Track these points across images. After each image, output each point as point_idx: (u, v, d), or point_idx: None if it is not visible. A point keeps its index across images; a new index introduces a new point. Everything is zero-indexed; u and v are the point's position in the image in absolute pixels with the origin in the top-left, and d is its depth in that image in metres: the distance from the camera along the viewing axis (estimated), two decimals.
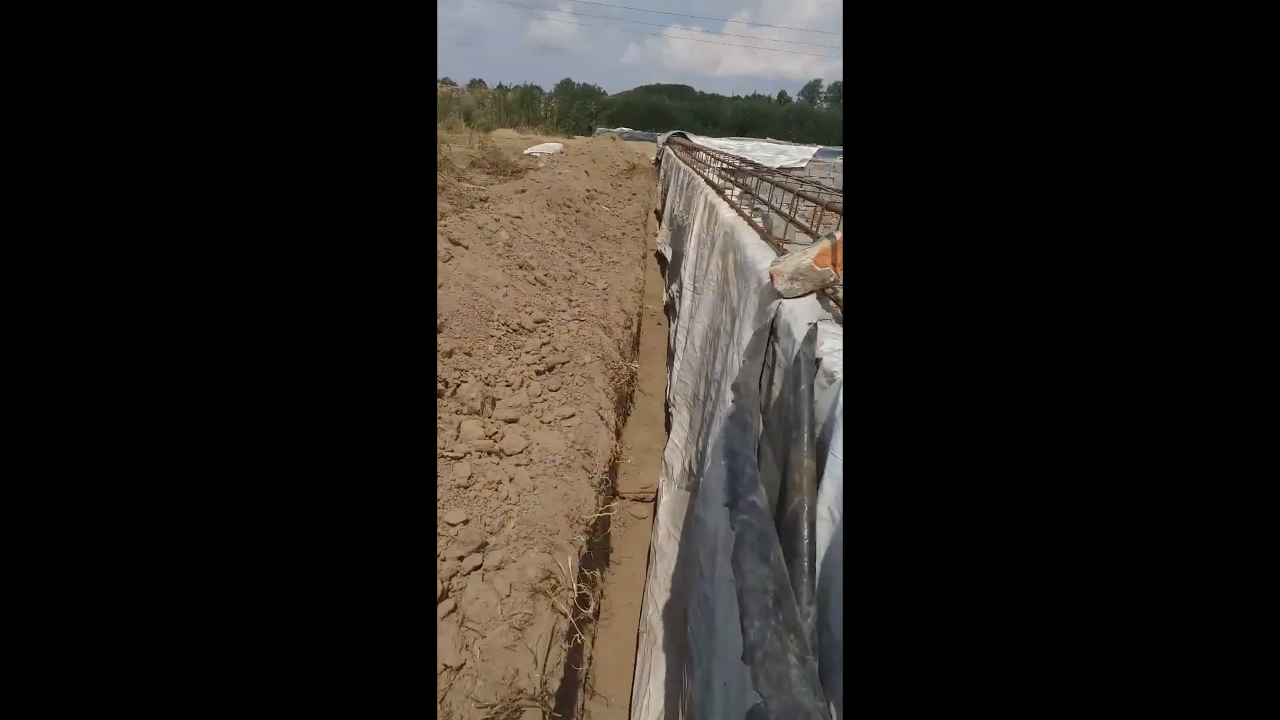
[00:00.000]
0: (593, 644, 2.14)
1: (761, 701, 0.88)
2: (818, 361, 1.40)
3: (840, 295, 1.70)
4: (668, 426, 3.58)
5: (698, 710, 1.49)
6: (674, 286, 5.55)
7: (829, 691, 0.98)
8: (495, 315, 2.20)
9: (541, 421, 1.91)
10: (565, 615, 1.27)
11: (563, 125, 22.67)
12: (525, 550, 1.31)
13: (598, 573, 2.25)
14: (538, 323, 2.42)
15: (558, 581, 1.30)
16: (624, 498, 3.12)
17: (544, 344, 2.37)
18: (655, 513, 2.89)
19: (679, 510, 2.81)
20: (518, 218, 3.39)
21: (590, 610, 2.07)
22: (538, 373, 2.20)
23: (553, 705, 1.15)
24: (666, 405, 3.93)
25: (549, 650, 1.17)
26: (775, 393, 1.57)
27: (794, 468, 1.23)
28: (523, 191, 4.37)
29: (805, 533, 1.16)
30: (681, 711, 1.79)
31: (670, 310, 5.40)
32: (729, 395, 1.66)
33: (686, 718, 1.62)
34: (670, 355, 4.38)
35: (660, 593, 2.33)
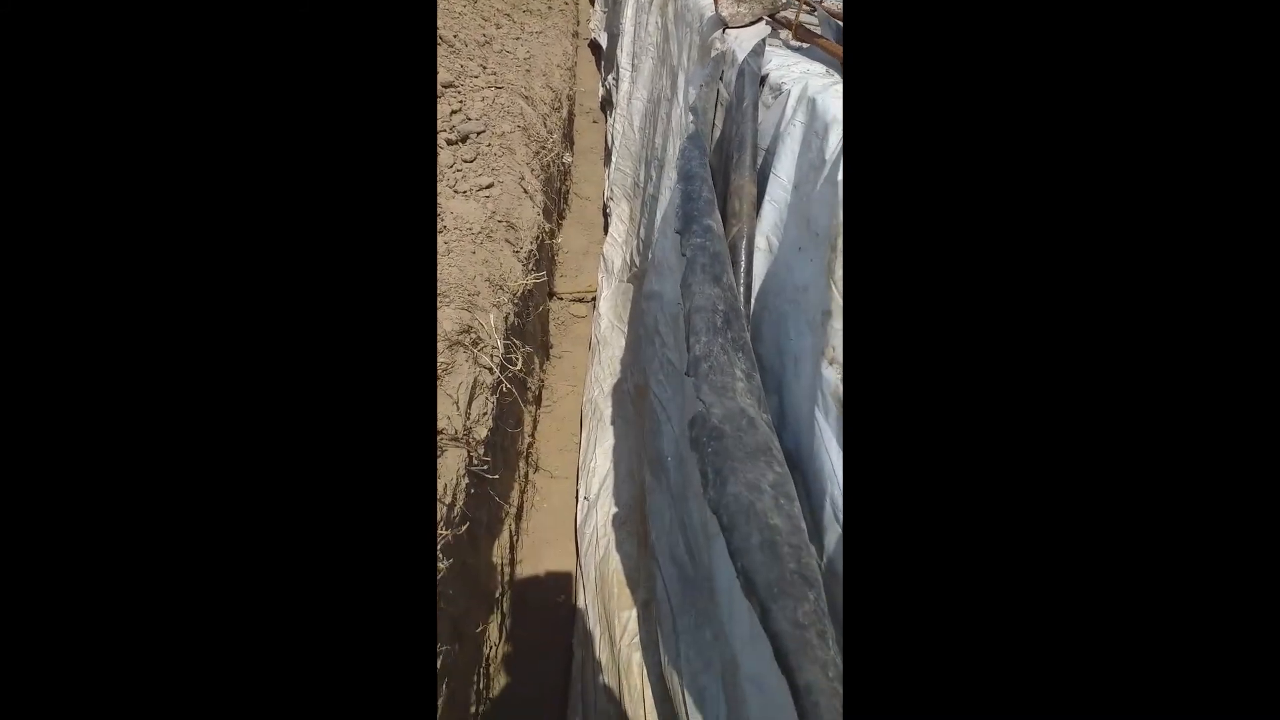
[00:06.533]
0: (535, 425, 2.16)
1: (704, 408, 0.83)
2: (764, 79, 1.20)
3: (796, 20, 1.44)
4: (606, 229, 3.39)
5: (675, 492, 1.51)
6: (610, 76, 4.96)
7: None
8: None
9: (455, 191, 1.68)
10: (490, 370, 1.19)
11: None
12: (440, 305, 1.18)
13: (537, 362, 2.21)
14: (445, 86, 2.05)
15: (480, 338, 1.20)
16: (562, 298, 3.02)
17: (454, 111, 2.03)
18: (596, 307, 2.82)
19: (621, 303, 2.75)
20: None
21: (531, 392, 2.05)
22: (449, 142, 1.90)
23: (480, 451, 1.12)
24: (604, 208, 3.70)
25: (471, 399, 1.10)
26: (718, 132, 1.38)
27: (734, 194, 1.09)
28: None
29: (743, 261, 1.06)
30: (632, 472, 1.86)
31: (607, 105, 4.89)
32: (687, 118, 1.45)
33: (650, 470, 1.68)
34: (607, 153, 4.03)
35: (605, 376, 2.34)
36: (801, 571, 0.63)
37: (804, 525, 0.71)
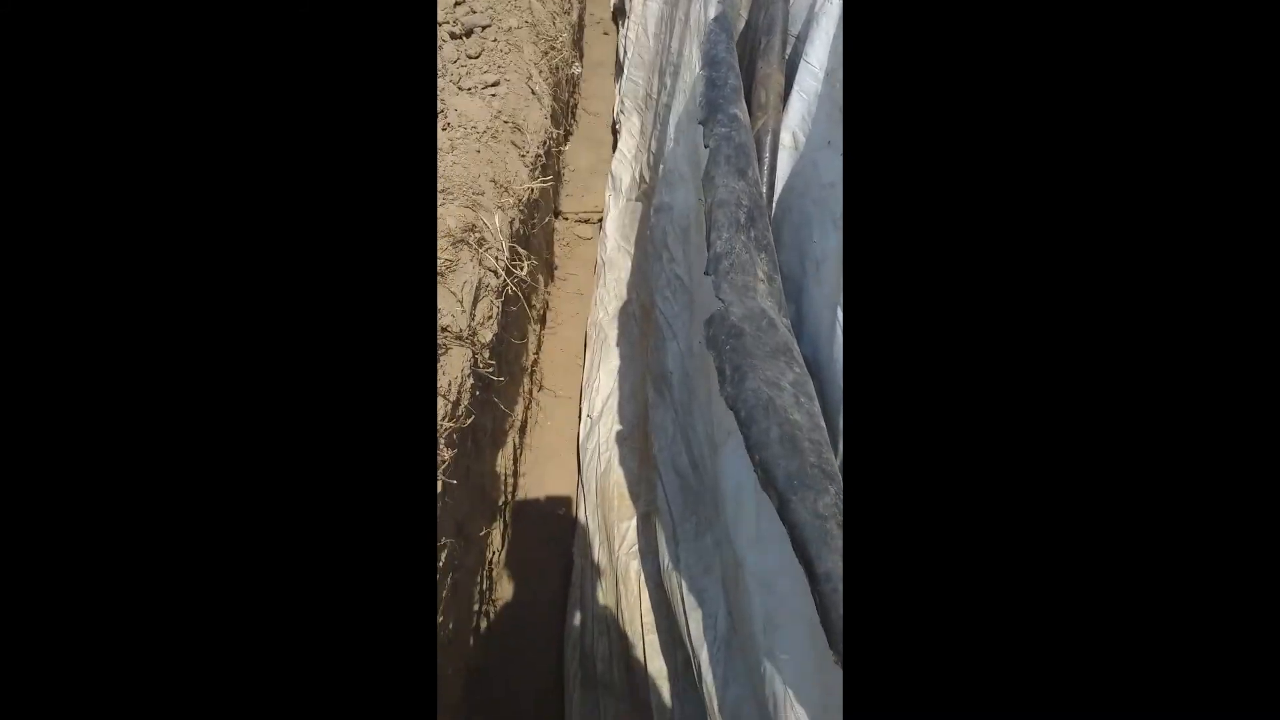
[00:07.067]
0: (540, 345, 2.13)
1: (722, 307, 0.78)
2: None
3: None
4: (615, 147, 3.25)
5: (679, 406, 1.49)
6: None
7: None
8: None
9: (460, 88, 1.57)
10: (495, 273, 1.15)
11: None
12: (443, 202, 1.12)
13: (542, 280, 2.15)
14: None
15: (484, 238, 1.14)
16: (567, 218, 2.93)
17: (458, 3, 1.88)
18: (603, 228, 2.73)
19: (629, 223, 2.66)
20: None
21: (536, 310, 2.01)
22: (452, 35, 1.77)
23: (485, 355, 1.09)
24: (614, 123, 3.54)
25: (475, 300, 1.06)
26: (742, 21, 1.27)
27: (760, 84, 1.00)
28: None
29: (767, 158, 0.99)
30: (635, 390, 1.85)
31: (619, 15, 4.59)
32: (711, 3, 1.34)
33: (654, 386, 1.66)
34: (619, 67, 3.82)
35: (610, 299, 2.29)
36: (822, 466, 0.61)
37: (824, 424, 0.68)
